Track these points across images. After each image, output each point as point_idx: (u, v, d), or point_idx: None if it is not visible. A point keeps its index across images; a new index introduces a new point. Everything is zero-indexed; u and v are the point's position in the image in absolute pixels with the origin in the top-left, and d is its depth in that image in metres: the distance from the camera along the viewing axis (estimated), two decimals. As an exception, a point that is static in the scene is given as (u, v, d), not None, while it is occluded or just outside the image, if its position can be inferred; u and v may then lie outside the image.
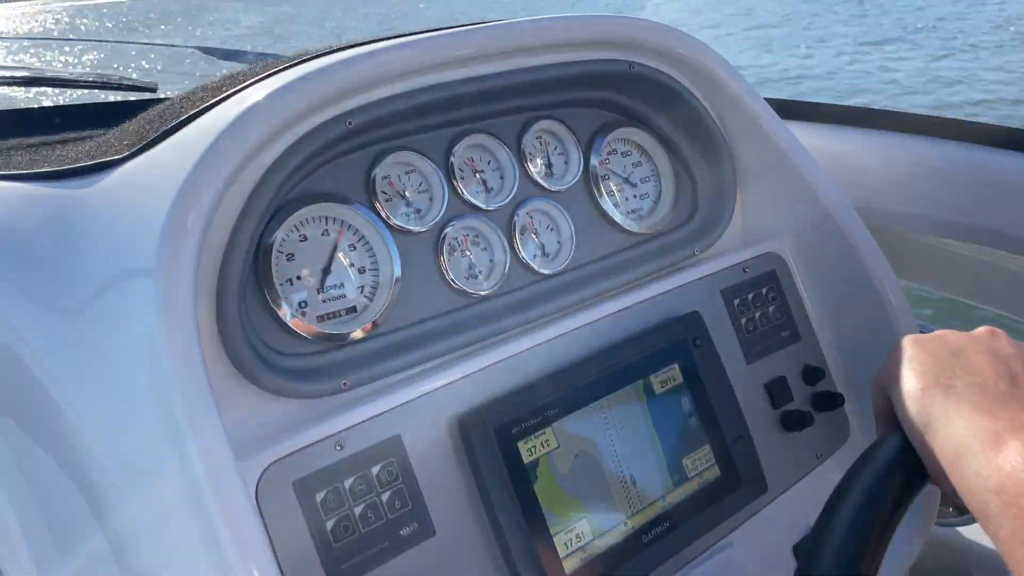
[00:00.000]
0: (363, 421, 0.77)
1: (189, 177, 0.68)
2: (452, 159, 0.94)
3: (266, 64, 0.89)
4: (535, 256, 0.99)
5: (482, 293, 0.94)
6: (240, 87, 0.80)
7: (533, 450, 0.83)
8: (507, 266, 0.95)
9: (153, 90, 1.73)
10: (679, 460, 0.92)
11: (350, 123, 0.80)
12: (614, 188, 1.08)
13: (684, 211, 1.12)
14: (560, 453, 0.85)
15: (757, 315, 1.06)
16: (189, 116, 0.79)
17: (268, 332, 0.80)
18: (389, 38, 0.86)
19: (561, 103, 1.03)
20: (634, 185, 1.10)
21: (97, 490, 0.66)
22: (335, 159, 0.86)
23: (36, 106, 1.58)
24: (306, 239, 0.84)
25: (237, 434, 0.72)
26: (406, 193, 0.92)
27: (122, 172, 0.79)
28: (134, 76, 1.80)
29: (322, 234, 0.85)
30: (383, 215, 0.88)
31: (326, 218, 0.85)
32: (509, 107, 0.98)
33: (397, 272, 0.87)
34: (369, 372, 0.82)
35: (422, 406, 0.81)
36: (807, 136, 1.18)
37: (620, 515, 0.87)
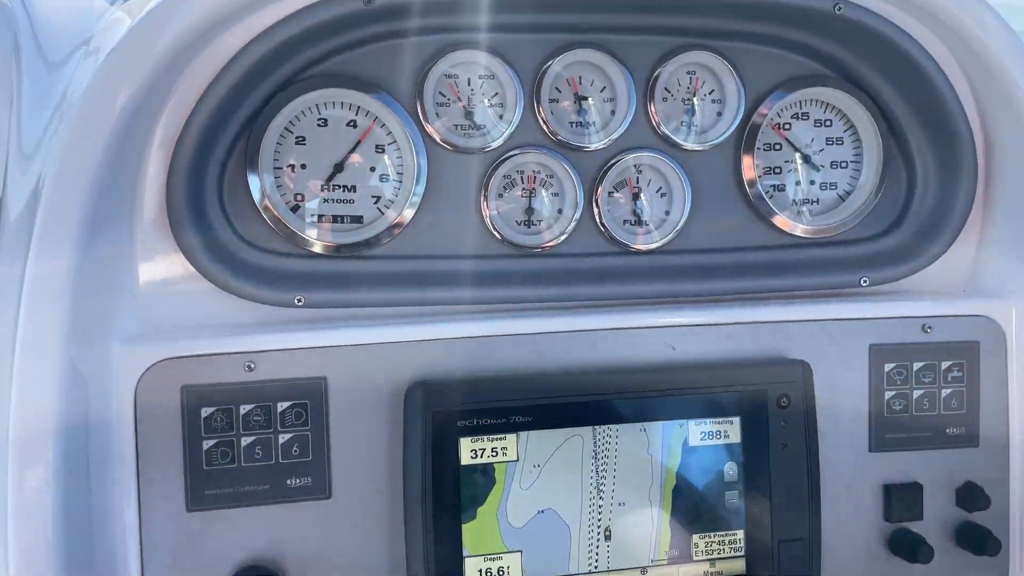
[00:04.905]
0: (290, 348, 0.67)
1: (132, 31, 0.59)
2: (544, 72, 0.75)
3: None
4: (624, 222, 0.78)
5: (527, 247, 0.76)
6: None
7: (479, 453, 0.67)
8: (574, 222, 0.76)
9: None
10: (686, 534, 0.70)
11: (370, 1, 0.65)
12: (786, 165, 0.81)
13: (881, 219, 0.81)
14: (521, 468, 0.68)
15: (918, 395, 0.76)
16: None
17: (237, 214, 0.70)
18: None
19: (731, 34, 0.77)
20: (817, 168, 0.81)
21: None
22: (385, 42, 0.72)
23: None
24: (326, 124, 0.72)
25: (150, 315, 0.67)
26: (469, 101, 0.75)
27: None
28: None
29: (347, 125, 0.73)
30: (422, 120, 0.73)
31: (358, 108, 0.73)
32: (651, 24, 0.75)
33: (419, 191, 0.73)
34: (334, 295, 0.70)
35: (373, 355, 0.68)
36: None
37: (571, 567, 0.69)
